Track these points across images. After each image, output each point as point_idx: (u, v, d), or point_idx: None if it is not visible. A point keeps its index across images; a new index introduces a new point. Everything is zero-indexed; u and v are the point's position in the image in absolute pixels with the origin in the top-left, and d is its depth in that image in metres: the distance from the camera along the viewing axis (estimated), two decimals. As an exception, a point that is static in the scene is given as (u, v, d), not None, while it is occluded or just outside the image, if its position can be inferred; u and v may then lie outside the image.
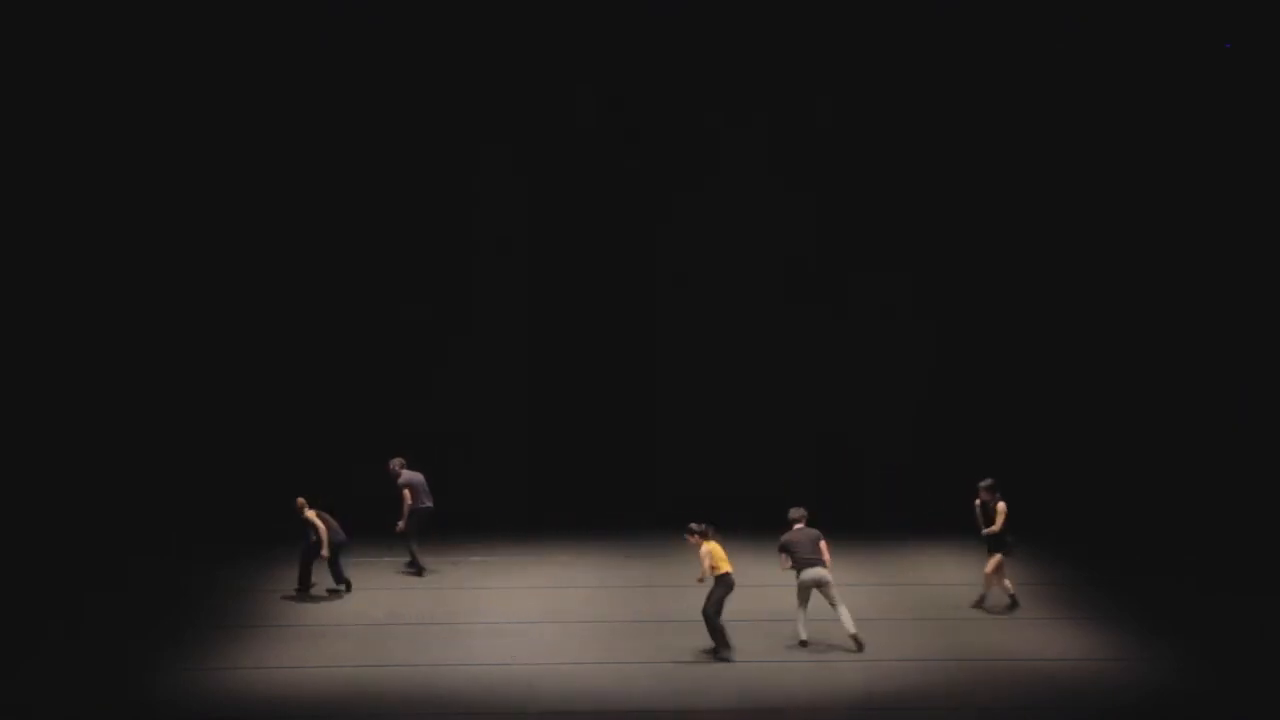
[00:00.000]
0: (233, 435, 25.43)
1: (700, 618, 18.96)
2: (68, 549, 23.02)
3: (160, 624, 20.11)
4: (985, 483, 20.40)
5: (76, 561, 22.65)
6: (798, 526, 19.40)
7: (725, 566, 18.94)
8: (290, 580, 21.63)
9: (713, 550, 18.97)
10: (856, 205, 26.04)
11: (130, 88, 24.92)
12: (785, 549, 19.26)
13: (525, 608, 20.85)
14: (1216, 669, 18.53)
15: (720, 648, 18.86)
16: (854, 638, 18.97)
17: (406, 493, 22.18)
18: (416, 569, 22.39)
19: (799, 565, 19.10)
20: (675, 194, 25.98)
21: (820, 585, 19.08)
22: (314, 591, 21.52)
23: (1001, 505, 20.24)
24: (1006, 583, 20.48)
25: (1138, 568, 22.59)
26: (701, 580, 18.96)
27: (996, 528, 20.22)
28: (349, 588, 21.50)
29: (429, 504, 22.42)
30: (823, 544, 19.24)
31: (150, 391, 25.41)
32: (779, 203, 26.12)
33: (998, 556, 20.28)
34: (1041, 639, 19.63)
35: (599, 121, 25.89)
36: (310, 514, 21.23)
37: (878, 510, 24.88)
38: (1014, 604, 20.52)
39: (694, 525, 19.19)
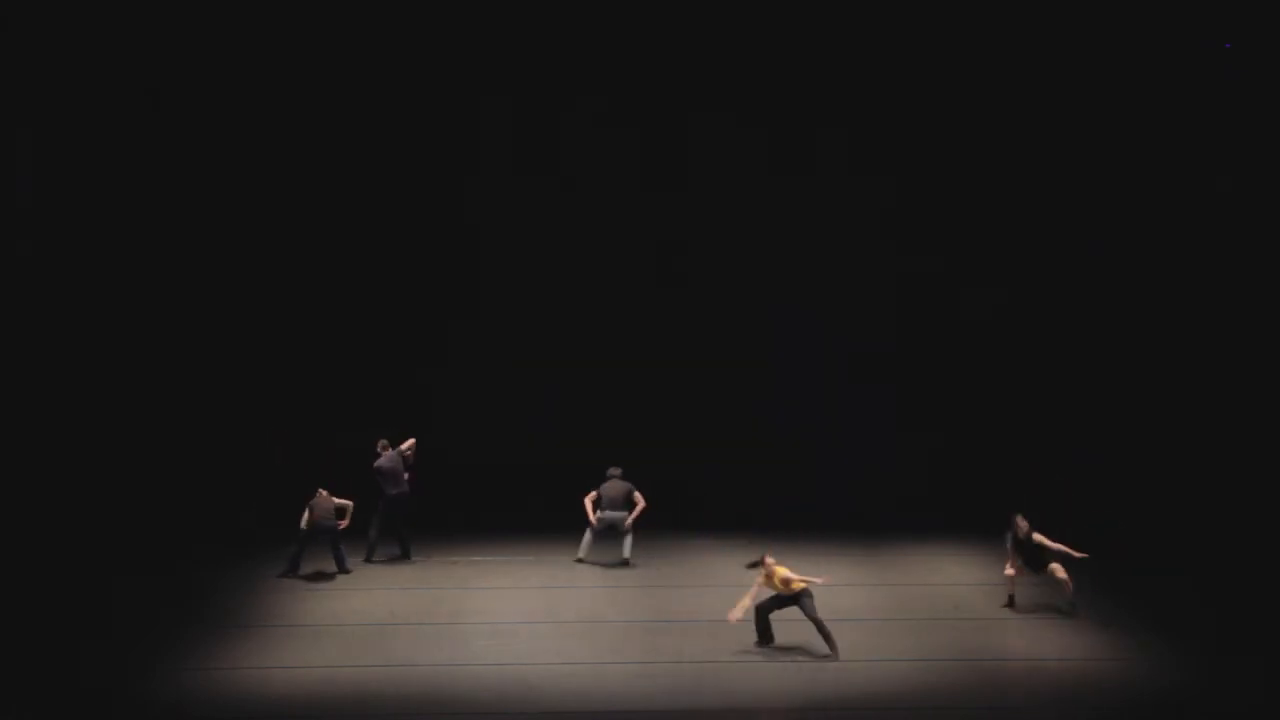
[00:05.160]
0: (232, 436, 25.45)
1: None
2: (67, 550, 22.98)
3: (160, 624, 20.10)
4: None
5: (76, 562, 22.61)
6: (615, 478, 22.70)
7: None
8: (293, 580, 21.79)
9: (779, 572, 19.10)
10: (856, 208, 26.13)
11: (110, 74, 24.91)
12: (599, 494, 22.60)
13: (525, 608, 20.85)
14: (1216, 669, 18.53)
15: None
16: (626, 560, 22.56)
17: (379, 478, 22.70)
18: (368, 554, 22.66)
19: (604, 507, 22.57)
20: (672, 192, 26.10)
21: (614, 525, 22.58)
22: (309, 589, 21.56)
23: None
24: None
25: (1138, 568, 22.58)
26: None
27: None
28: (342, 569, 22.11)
29: (394, 491, 22.62)
30: (636, 495, 22.62)
31: (148, 393, 25.41)
32: (777, 202, 26.20)
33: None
34: (1041, 639, 19.63)
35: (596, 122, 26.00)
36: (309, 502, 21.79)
37: (876, 511, 24.89)
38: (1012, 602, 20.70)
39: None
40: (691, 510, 24.66)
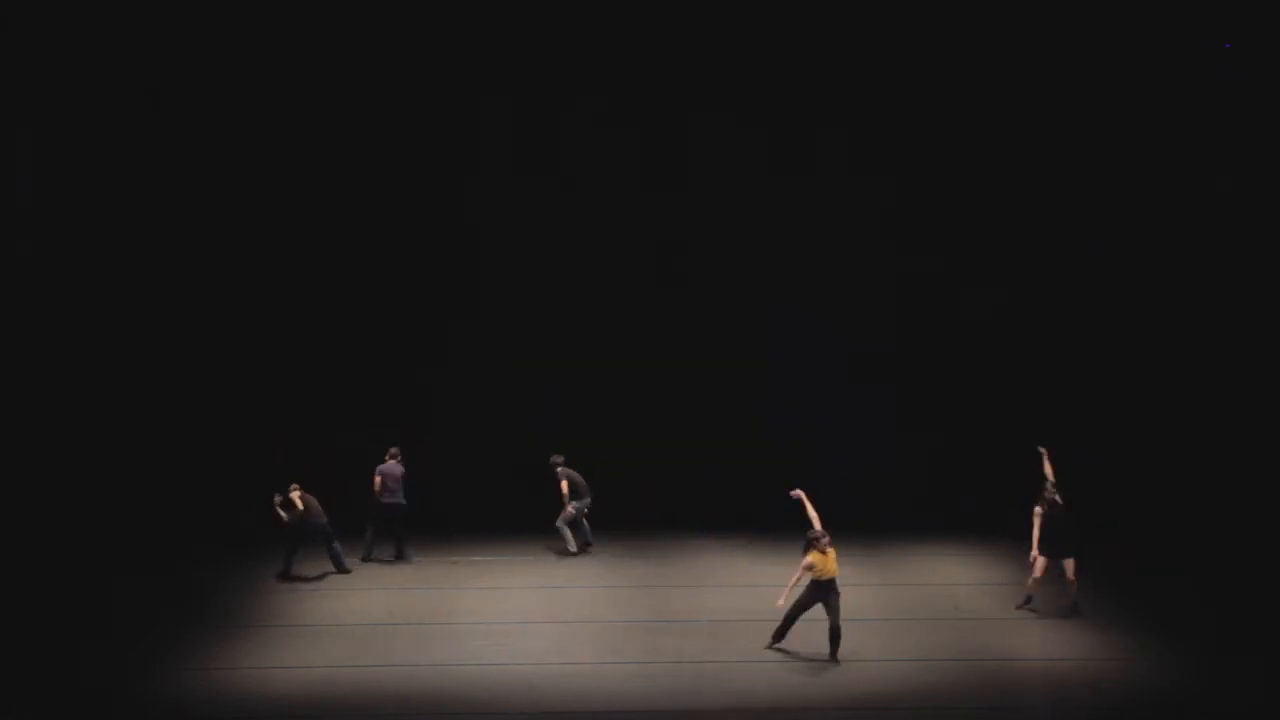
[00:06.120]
0: (232, 436, 25.45)
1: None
2: (67, 550, 22.99)
3: (160, 624, 20.10)
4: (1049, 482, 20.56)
5: (76, 562, 22.62)
6: (562, 464, 23.27)
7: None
8: (293, 580, 21.84)
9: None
10: (856, 208, 26.15)
11: (110, 74, 24.88)
12: (566, 478, 23.16)
13: (525, 608, 20.85)
14: (1216, 669, 18.53)
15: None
16: (589, 544, 23.40)
17: (377, 479, 22.85)
18: (365, 552, 22.83)
19: (578, 496, 23.14)
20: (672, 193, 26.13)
21: (580, 511, 23.21)
22: (309, 589, 21.57)
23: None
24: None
25: (1138, 568, 22.60)
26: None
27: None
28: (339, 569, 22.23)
29: (392, 500, 22.73)
30: None
31: (148, 393, 25.40)
32: (777, 202, 26.23)
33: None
34: (1042, 639, 19.63)
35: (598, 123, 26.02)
36: (295, 495, 21.80)
37: (876, 511, 24.88)
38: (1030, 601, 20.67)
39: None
40: (691, 510, 24.67)
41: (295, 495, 21.81)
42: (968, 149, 25.94)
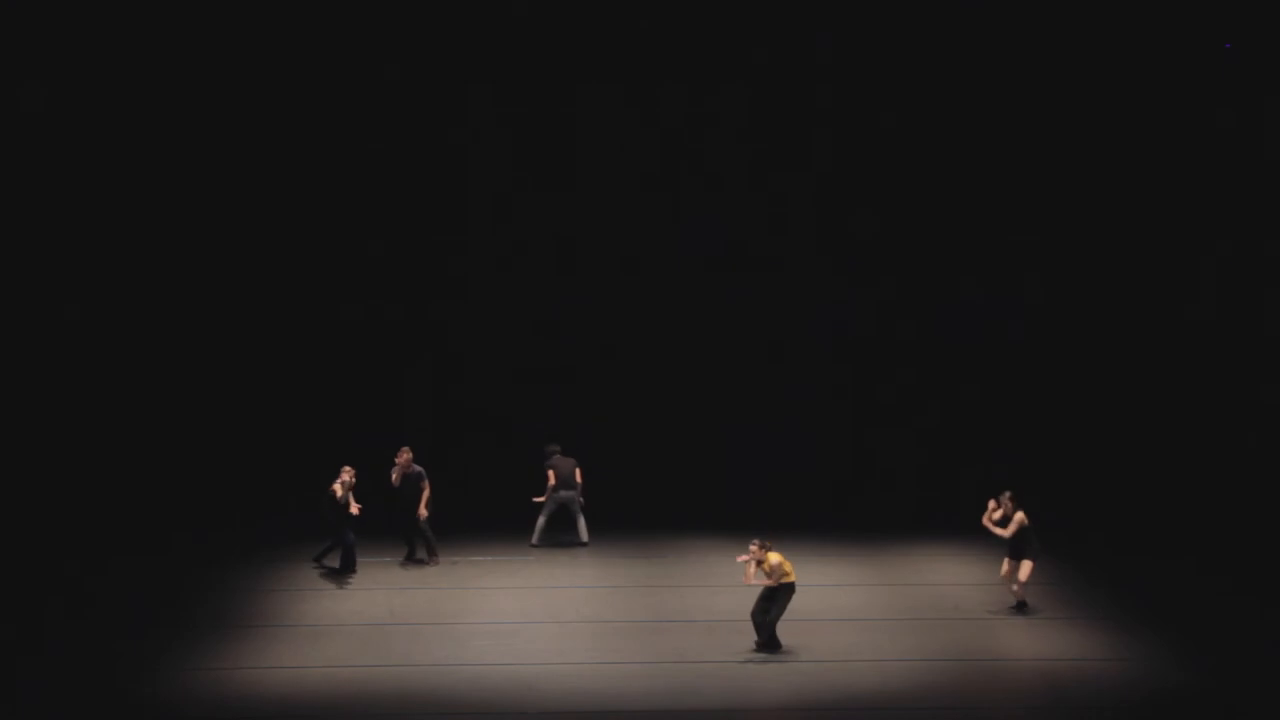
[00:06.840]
0: (232, 434, 25.46)
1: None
2: (66, 548, 23.00)
3: (160, 624, 20.10)
4: (1006, 494, 20.46)
5: (76, 561, 22.62)
6: (557, 454, 23.10)
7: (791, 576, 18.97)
8: (288, 580, 21.82)
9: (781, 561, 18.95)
10: (856, 208, 26.18)
11: (110, 74, 24.88)
12: (551, 468, 23.00)
13: (525, 608, 20.86)
14: (1216, 669, 18.54)
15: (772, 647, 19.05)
16: (585, 543, 23.27)
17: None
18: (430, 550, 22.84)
19: (559, 485, 22.95)
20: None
21: (567, 503, 23.06)
22: (309, 589, 21.56)
23: (1019, 515, 20.26)
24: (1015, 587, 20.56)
25: (1138, 566, 22.61)
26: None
27: (1007, 533, 20.24)
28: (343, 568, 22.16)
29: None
30: (578, 471, 23.08)
31: (148, 390, 25.41)
32: (776, 202, 26.25)
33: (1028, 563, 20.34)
34: (1041, 639, 19.63)
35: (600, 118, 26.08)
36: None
37: (877, 510, 24.89)
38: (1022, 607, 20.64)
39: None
40: (691, 510, 24.67)
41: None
42: (967, 149, 25.95)
